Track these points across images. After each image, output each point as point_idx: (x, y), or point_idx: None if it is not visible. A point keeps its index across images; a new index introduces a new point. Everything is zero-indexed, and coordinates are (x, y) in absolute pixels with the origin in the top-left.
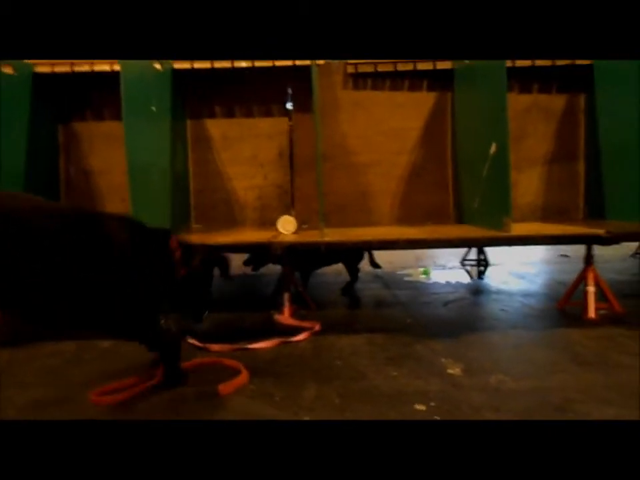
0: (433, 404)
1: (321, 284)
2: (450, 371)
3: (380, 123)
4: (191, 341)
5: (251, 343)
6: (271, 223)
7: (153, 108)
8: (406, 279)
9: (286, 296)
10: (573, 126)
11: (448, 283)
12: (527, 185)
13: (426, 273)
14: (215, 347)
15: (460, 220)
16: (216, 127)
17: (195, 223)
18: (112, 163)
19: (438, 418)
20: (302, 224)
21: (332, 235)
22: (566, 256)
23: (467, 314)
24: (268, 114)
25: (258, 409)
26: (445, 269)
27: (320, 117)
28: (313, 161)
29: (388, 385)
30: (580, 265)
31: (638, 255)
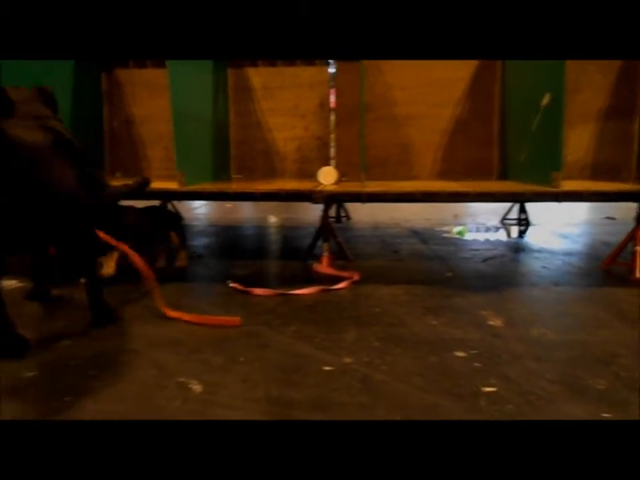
0: (473, 351)
1: (357, 237)
2: (490, 322)
3: (425, 74)
4: (233, 284)
5: (291, 289)
6: (310, 175)
7: None
8: (444, 235)
9: (325, 246)
10: (631, 81)
11: (487, 241)
12: (578, 141)
13: (461, 233)
14: (258, 291)
15: (504, 176)
16: (257, 76)
17: (235, 173)
18: (153, 111)
19: (478, 365)
20: (342, 176)
21: (373, 186)
22: (612, 218)
23: (507, 270)
24: (310, 62)
25: (300, 349)
26: (484, 227)
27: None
28: (355, 112)
29: (427, 332)
30: (626, 228)
31: None
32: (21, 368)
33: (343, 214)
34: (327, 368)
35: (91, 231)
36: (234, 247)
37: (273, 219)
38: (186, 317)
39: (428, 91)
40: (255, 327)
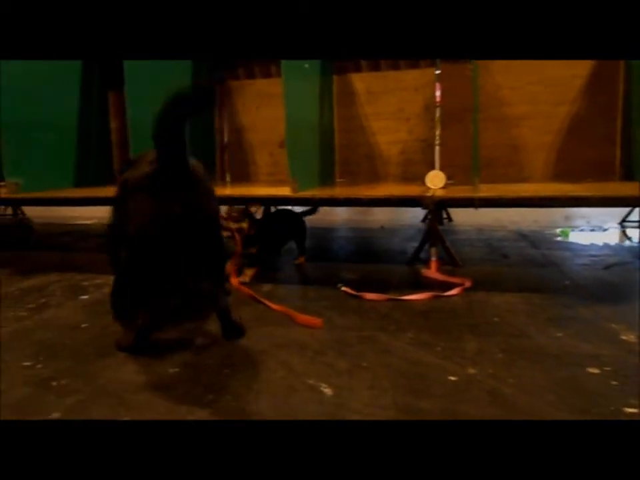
0: (607, 368)
1: (462, 240)
2: (623, 337)
3: (537, 72)
4: (344, 288)
5: (402, 294)
6: (413, 178)
7: (306, 65)
8: (557, 238)
9: (433, 251)
10: None
11: (606, 245)
12: None
13: (564, 233)
14: (369, 295)
15: (628, 176)
16: (361, 81)
17: (340, 177)
18: (260, 120)
19: (615, 383)
20: (447, 179)
21: (486, 190)
22: None
23: (635, 279)
24: (414, 65)
25: (421, 356)
26: (593, 228)
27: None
28: (461, 113)
29: (553, 346)
30: None
31: None
32: (165, 364)
33: (444, 215)
34: (452, 378)
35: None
36: (334, 249)
37: (366, 220)
38: (274, 306)
39: (540, 89)
40: (372, 332)
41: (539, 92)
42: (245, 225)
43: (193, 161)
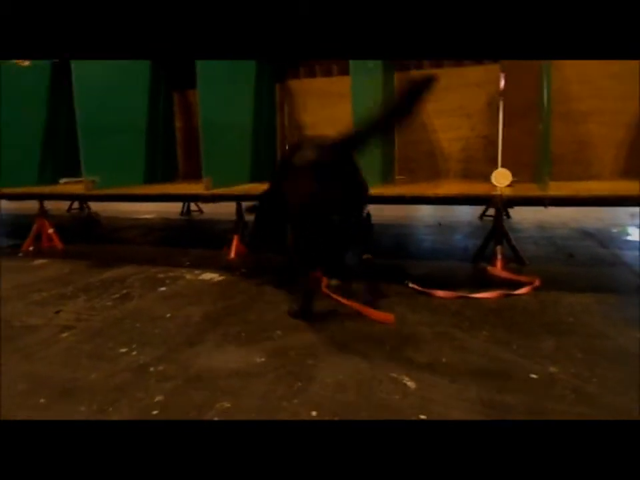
0: None
1: (524, 238)
2: None
3: (606, 66)
4: (412, 285)
5: (471, 292)
6: (474, 176)
7: (371, 64)
8: (626, 237)
9: (499, 249)
10: None
11: None
12: None
13: (622, 232)
14: (439, 292)
15: None
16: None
17: (399, 174)
18: (321, 118)
19: None
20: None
21: (556, 189)
22: None
23: None
24: (477, 61)
25: (499, 354)
26: None
27: None
28: (525, 109)
29: (635, 347)
30: None
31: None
32: (252, 354)
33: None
34: (533, 376)
35: None
36: (396, 245)
37: (414, 217)
38: (350, 303)
39: (610, 84)
40: (446, 329)
41: (608, 86)
42: None
43: None
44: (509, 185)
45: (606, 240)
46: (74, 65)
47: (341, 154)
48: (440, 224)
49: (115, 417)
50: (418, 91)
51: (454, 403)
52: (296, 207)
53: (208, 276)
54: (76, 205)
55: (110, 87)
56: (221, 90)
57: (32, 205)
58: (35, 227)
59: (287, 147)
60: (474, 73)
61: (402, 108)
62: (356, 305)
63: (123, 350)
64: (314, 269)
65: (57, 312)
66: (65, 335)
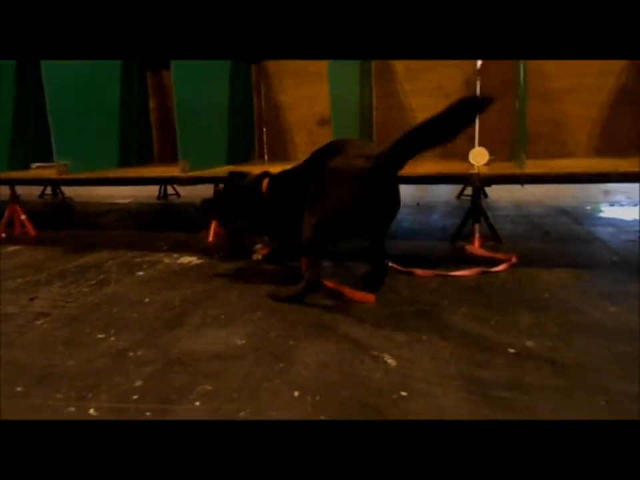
0: None
1: (502, 217)
2: None
3: None
4: (392, 264)
5: (450, 271)
6: (452, 155)
7: None
8: (599, 215)
9: (476, 227)
10: None
11: None
12: None
13: (595, 209)
14: (419, 271)
15: None
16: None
17: None
18: (299, 98)
19: None
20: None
21: (532, 167)
22: None
23: None
24: None
25: (477, 330)
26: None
27: None
28: (501, 87)
29: (610, 320)
30: None
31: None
32: (232, 336)
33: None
34: (511, 350)
35: None
36: None
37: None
38: (330, 284)
39: (586, 62)
40: (425, 307)
41: (585, 64)
42: None
43: None
44: (486, 164)
45: (581, 217)
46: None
47: (391, 166)
48: (418, 204)
49: (94, 404)
50: (473, 108)
51: (435, 379)
52: (333, 210)
53: (186, 259)
54: (49, 190)
55: (81, 67)
56: (196, 71)
57: (3, 191)
58: (6, 213)
59: (317, 150)
60: None
61: (453, 122)
62: (338, 287)
63: (101, 336)
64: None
65: (32, 299)
66: (40, 322)
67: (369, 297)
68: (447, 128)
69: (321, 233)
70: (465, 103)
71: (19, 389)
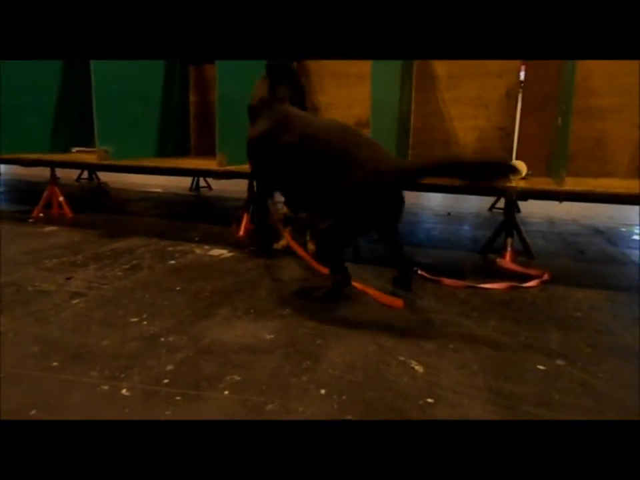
0: None
1: (534, 232)
2: None
3: (631, 61)
4: (421, 272)
5: (479, 282)
6: None
7: None
8: (635, 237)
9: (509, 241)
10: None
11: None
12: None
13: (630, 231)
14: (448, 281)
15: None
16: (442, 65)
17: None
18: (337, 99)
19: None
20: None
21: (572, 184)
22: None
23: None
24: None
25: (506, 344)
26: None
27: None
28: (543, 102)
29: None
30: None
31: None
32: (261, 330)
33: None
34: (541, 367)
35: None
36: (405, 233)
37: (423, 205)
38: (359, 286)
39: (631, 80)
40: (453, 317)
41: (630, 83)
42: None
43: None
44: (522, 178)
45: (615, 238)
46: None
47: (406, 184)
48: (449, 213)
49: (126, 384)
50: (496, 170)
51: (462, 389)
52: (351, 221)
53: (217, 252)
54: (85, 174)
55: (126, 64)
56: (239, 68)
57: (41, 172)
58: (45, 194)
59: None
60: (494, 63)
61: (471, 173)
62: (367, 289)
63: (134, 319)
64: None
65: (68, 279)
66: (76, 301)
67: (398, 302)
68: (471, 176)
69: (339, 238)
70: (499, 166)
71: (54, 364)
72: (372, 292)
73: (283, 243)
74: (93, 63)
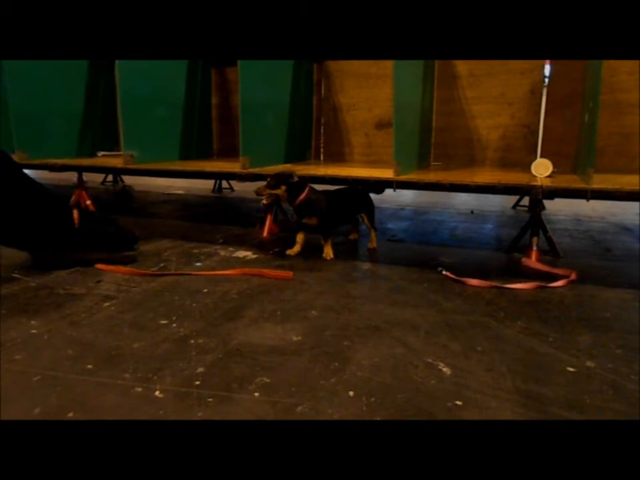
0: None
1: (559, 230)
2: None
3: None
4: (446, 273)
5: (505, 282)
6: (512, 164)
7: None
8: None
9: (534, 240)
10: None
11: None
12: None
13: None
14: (473, 281)
15: None
16: (464, 64)
17: (434, 160)
18: (358, 100)
19: None
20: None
21: (599, 182)
22: None
23: None
24: None
25: (535, 345)
26: None
27: None
28: (569, 98)
29: None
30: None
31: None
32: (288, 332)
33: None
34: (570, 369)
35: None
36: (428, 232)
37: (444, 203)
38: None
39: None
40: (480, 318)
41: None
42: (279, 191)
43: None
44: (548, 176)
45: None
46: None
47: None
48: (472, 211)
49: (159, 386)
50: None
51: (490, 391)
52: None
53: (242, 253)
54: (110, 177)
55: (150, 65)
56: (261, 70)
57: (66, 176)
58: (73, 198)
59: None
60: (517, 60)
61: None
62: (260, 271)
63: (164, 322)
64: None
65: (98, 282)
66: (107, 304)
67: (287, 274)
68: None
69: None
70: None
71: (89, 366)
72: (261, 271)
73: (296, 249)
74: (118, 63)
